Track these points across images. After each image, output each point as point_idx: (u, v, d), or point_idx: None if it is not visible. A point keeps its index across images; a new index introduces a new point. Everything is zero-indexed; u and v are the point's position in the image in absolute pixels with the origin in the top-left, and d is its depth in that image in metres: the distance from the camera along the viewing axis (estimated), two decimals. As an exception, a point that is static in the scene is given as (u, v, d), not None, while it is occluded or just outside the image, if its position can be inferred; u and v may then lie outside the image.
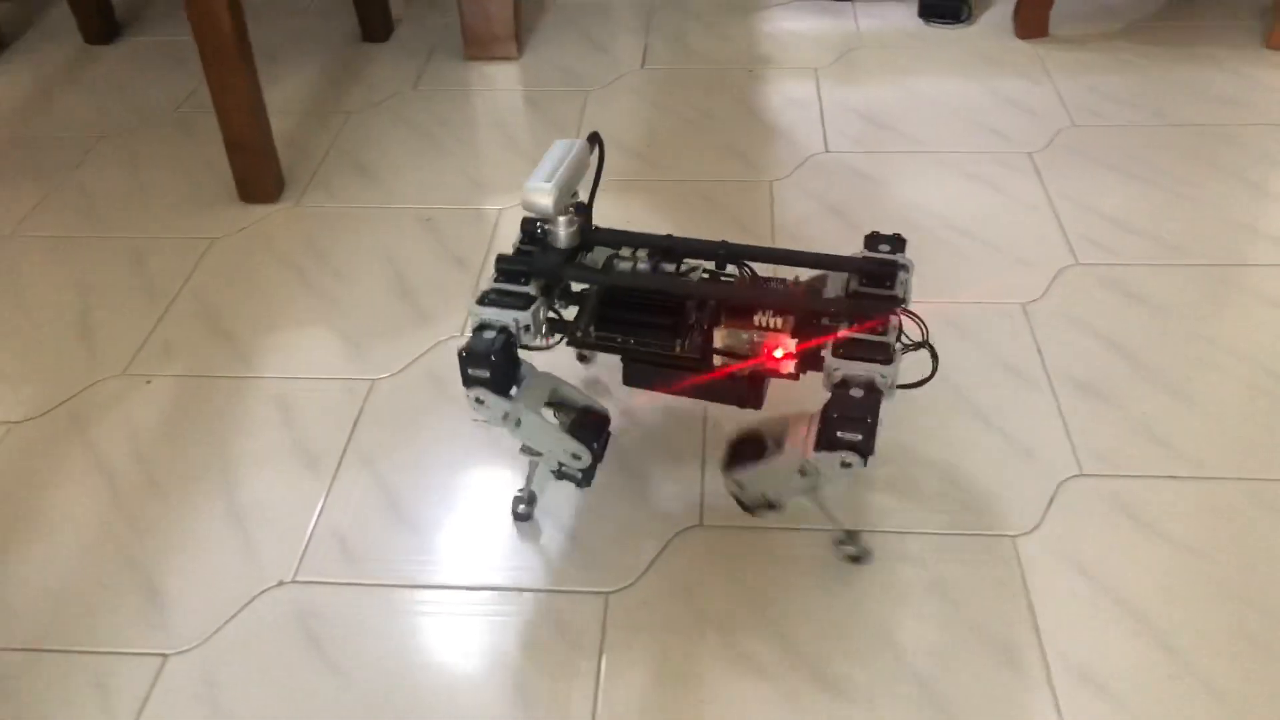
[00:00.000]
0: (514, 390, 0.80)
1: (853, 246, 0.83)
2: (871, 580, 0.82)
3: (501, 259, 0.81)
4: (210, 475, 0.92)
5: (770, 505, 0.82)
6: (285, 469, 0.92)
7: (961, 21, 1.58)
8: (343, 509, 0.89)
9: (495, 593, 0.82)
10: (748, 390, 0.83)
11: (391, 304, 1.10)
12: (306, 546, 0.86)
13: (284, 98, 1.47)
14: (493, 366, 0.77)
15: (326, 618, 0.80)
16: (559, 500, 0.88)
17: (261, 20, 1.65)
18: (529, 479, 0.88)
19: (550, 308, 0.83)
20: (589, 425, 0.84)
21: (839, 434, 0.73)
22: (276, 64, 1.55)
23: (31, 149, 1.38)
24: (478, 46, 1.52)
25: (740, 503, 0.83)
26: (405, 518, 0.88)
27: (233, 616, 0.80)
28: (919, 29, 1.58)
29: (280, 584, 0.83)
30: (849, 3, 1.64)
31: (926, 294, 1.06)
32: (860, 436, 0.72)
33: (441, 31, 1.62)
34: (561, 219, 0.81)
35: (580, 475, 0.84)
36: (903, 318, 0.78)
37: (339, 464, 0.93)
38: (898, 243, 0.82)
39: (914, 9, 1.61)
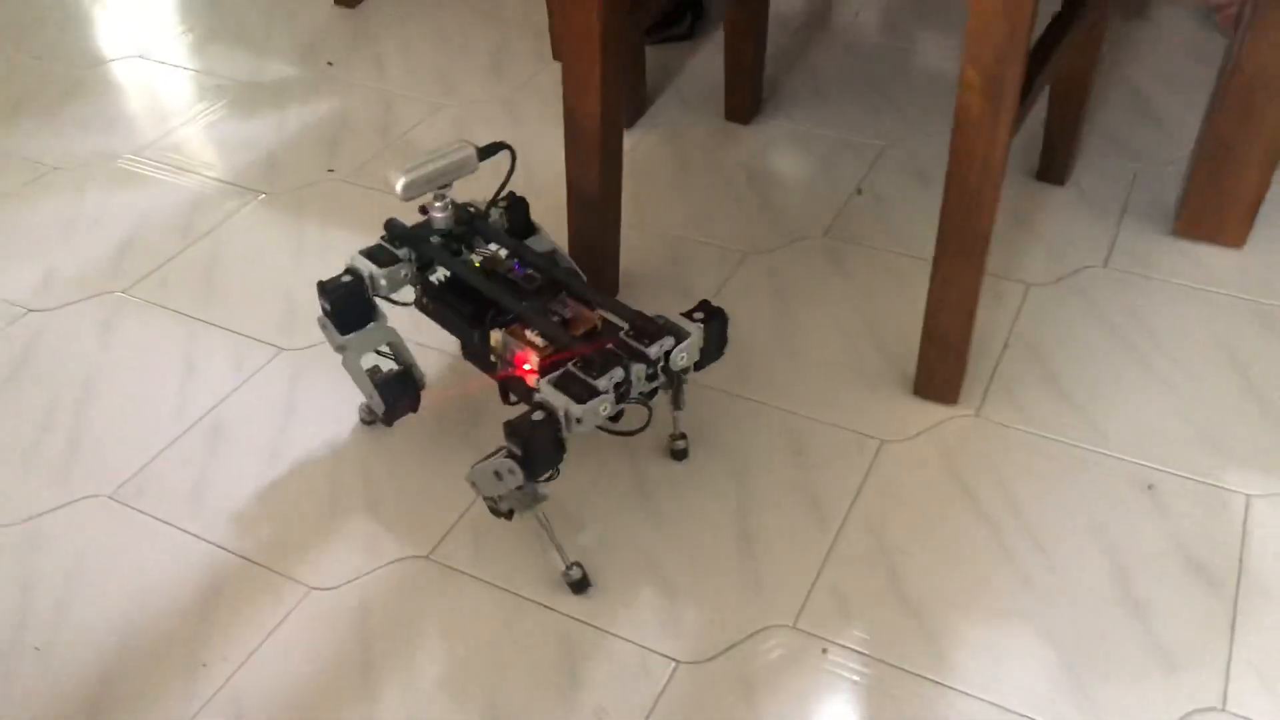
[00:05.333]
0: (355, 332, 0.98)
1: None
2: None
3: (389, 223, 0.99)
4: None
5: (497, 510, 0.89)
6: None
7: None
8: None
9: None
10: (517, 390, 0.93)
11: (1115, 620, 0.87)
12: None
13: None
14: (333, 303, 0.95)
15: None
16: None
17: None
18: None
19: (421, 275, 0.99)
20: (396, 382, 1.01)
21: (506, 443, 0.83)
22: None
23: (680, 261, 1.27)
24: (1195, 223, 1.23)
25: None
26: None
27: None
28: None
29: None
30: None
31: None
32: (520, 452, 0.82)
33: (1130, 185, 1.34)
34: (437, 204, 0.97)
35: (382, 418, 1.03)
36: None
37: None
38: (714, 317, 0.90)
39: None
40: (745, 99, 1.47)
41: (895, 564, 0.92)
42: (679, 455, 1.02)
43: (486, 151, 0.98)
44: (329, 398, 1.10)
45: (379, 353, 1.01)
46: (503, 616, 0.90)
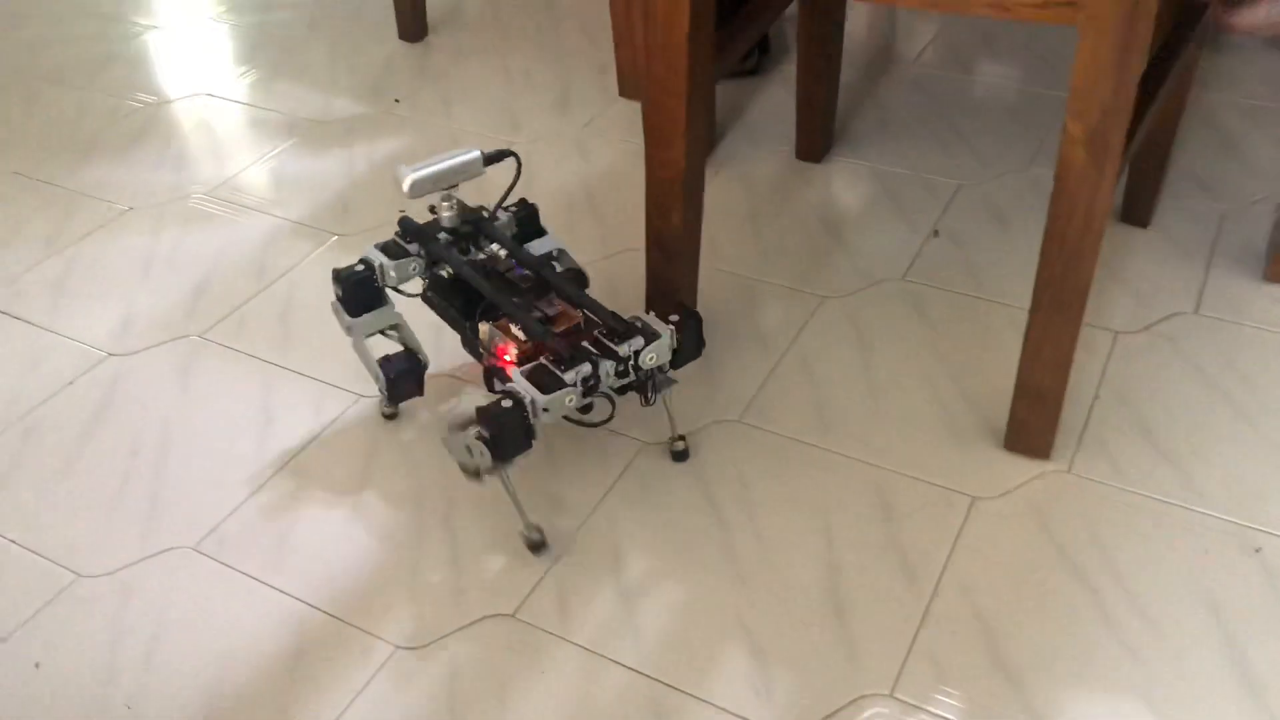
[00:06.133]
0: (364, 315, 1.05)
1: None
2: None
3: (402, 219, 1.05)
4: None
5: (467, 470, 0.93)
6: None
7: None
8: None
9: None
10: (500, 379, 0.96)
11: (1230, 696, 0.83)
12: None
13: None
14: (344, 289, 1.03)
15: None
16: None
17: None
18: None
19: (431, 270, 1.05)
20: (399, 361, 1.08)
21: (476, 421, 0.89)
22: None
23: (756, 304, 1.26)
24: (1288, 269, 1.20)
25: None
26: None
27: None
28: None
29: None
30: None
31: None
32: (488, 434, 0.88)
33: (1218, 226, 1.31)
34: (444, 204, 1.03)
35: (386, 394, 1.10)
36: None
37: None
38: (689, 319, 0.96)
39: None
40: (817, 138, 1.45)
41: (993, 630, 0.89)
42: (679, 456, 1.07)
43: (492, 158, 1.05)
44: (409, 448, 1.09)
45: (385, 334, 1.09)
46: (591, 680, 0.88)
